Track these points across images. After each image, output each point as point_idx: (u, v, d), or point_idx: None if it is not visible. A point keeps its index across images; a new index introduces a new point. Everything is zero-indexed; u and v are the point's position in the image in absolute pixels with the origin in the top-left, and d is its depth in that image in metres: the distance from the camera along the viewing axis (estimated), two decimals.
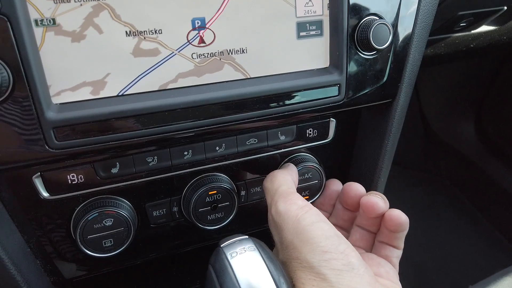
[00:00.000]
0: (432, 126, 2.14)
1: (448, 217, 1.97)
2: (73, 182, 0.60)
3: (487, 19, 0.98)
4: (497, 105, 1.98)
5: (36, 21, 0.48)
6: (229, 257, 0.48)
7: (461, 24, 0.94)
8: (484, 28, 1.05)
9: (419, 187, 2.10)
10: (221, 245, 0.50)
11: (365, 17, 0.61)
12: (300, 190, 0.73)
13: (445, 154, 2.11)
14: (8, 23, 0.45)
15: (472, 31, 1.03)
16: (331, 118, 0.73)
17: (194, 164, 0.66)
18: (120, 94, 0.54)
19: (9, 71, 0.46)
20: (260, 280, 0.46)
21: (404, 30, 0.65)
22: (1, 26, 0.45)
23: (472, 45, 1.13)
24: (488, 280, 1.02)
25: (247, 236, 0.51)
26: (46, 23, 0.49)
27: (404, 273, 1.81)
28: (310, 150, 0.74)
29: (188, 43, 0.56)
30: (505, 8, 0.93)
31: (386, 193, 2.11)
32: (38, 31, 0.49)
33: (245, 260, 0.48)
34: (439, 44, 1.04)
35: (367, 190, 0.77)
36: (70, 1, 0.49)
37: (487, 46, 1.17)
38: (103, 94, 0.53)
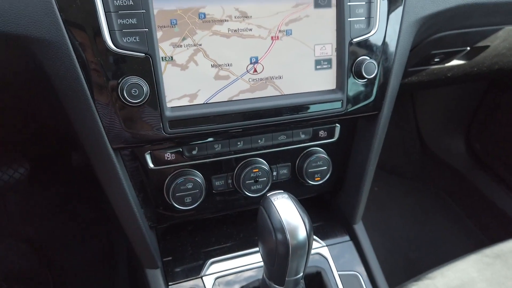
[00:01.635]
0: (427, 142, 2.41)
1: (439, 221, 2.21)
2: (168, 159, 0.92)
3: (456, 56, 1.29)
4: (484, 125, 2.25)
5: (162, 57, 0.79)
6: (273, 200, 0.78)
7: (435, 60, 1.26)
8: (456, 62, 1.36)
9: (415, 195, 2.35)
10: (268, 195, 0.81)
11: (359, 57, 0.89)
12: (313, 173, 1.05)
13: (438, 167, 2.37)
14: (150, 59, 0.78)
15: (446, 64, 1.34)
16: (336, 124, 1.04)
17: (243, 151, 0.98)
18: (205, 102, 0.85)
19: (149, 86, 0.78)
20: (292, 214, 0.77)
21: (386, 65, 0.93)
22: (147, 61, 0.76)
23: (449, 75, 1.44)
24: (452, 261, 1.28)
25: (283, 191, 0.82)
26: (167, 59, 0.80)
27: (400, 267, 2.09)
28: (321, 145, 1.05)
29: (247, 72, 0.86)
30: (468, 48, 1.25)
31: (387, 200, 2.38)
32: (163, 64, 0.79)
33: (283, 202, 0.78)
34: (421, 73, 1.35)
35: (360, 176, 1.09)
36: (181, 46, 0.81)
37: (462, 75, 1.48)
38: (195, 102, 0.83)
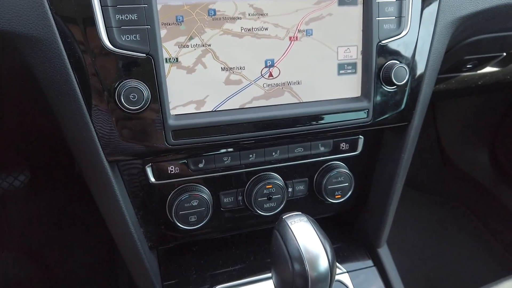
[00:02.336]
0: (448, 153, 2.30)
1: (461, 238, 2.09)
2: (172, 172, 0.83)
3: (490, 62, 1.18)
4: (510, 136, 2.14)
5: (166, 59, 0.71)
6: (289, 224, 0.69)
7: (467, 66, 1.15)
8: (489, 69, 1.25)
9: (435, 210, 2.24)
10: (283, 217, 0.71)
11: (388, 61, 0.80)
12: (334, 190, 0.94)
13: (460, 180, 2.25)
14: (152, 60, 0.69)
15: (478, 72, 1.23)
16: (360, 136, 0.95)
17: (256, 164, 0.88)
18: (213, 110, 0.76)
19: (150, 91, 0.69)
20: (312, 241, 0.67)
21: (418, 71, 0.85)
22: (148, 62, 0.68)
23: (479, 83, 1.33)
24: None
25: (301, 213, 0.72)
26: (172, 61, 0.72)
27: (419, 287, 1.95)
28: (342, 159, 0.95)
29: (261, 76, 0.78)
30: (505, 54, 1.14)
31: (405, 215, 2.26)
32: (167, 66, 0.71)
33: (301, 227, 0.68)
34: (450, 81, 1.24)
35: (386, 194, 0.98)
36: (188, 47, 0.72)
37: (494, 83, 1.37)
38: (202, 109, 0.75)
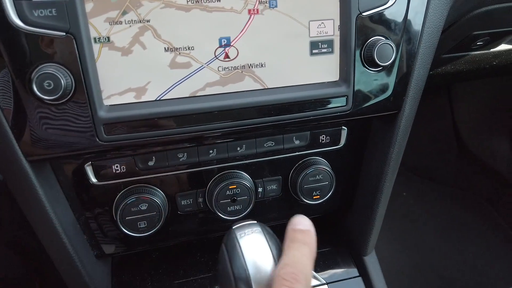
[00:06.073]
0: (466, 142, 2.13)
1: (480, 234, 1.94)
2: (117, 171, 0.72)
3: (505, 39, 1.01)
4: None
5: (95, 38, 0.60)
6: (238, 237, 0.57)
7: (478, 43, 0.99)
8: (504, 46, 1.08)
9: (451, 203, 2.09)
10: (233, 227, 0.59)
11: (371, 37, 0.68)
12: (311, 190, 0.81)
13: (479, 171, 2.08)
14: (74, 40, 0.57)
15: (491, 50, 1.06)
16: (342, 127, 0.81)
17: (218, 161, 0.76)
18: (157, 99, 0.65)
19: (72, 78, 0.57)
20: (263, 258, 0.55)
21: (408, 49, 0.71)
22: (68, 43, 0.57)
23: (494, 63, 1.16)
24: None
25: (256, 222, 0.60)
26: (102, 40, 0.60)
27: (432, 286, 1.81)
28: (322, 154, 0.82)
29: (215, 58, 0.66)
30: None
31: (417, 208, 2.09)
32: (96, 47, 0.60)
33: (251, 240, 0.56)
34: (458, 61, 1.08)
35: (373, 195, 0.84)
36: (121, 23, 0.61)
37: (511, 63, 1.20)
38: (144, 98, 0.64)
